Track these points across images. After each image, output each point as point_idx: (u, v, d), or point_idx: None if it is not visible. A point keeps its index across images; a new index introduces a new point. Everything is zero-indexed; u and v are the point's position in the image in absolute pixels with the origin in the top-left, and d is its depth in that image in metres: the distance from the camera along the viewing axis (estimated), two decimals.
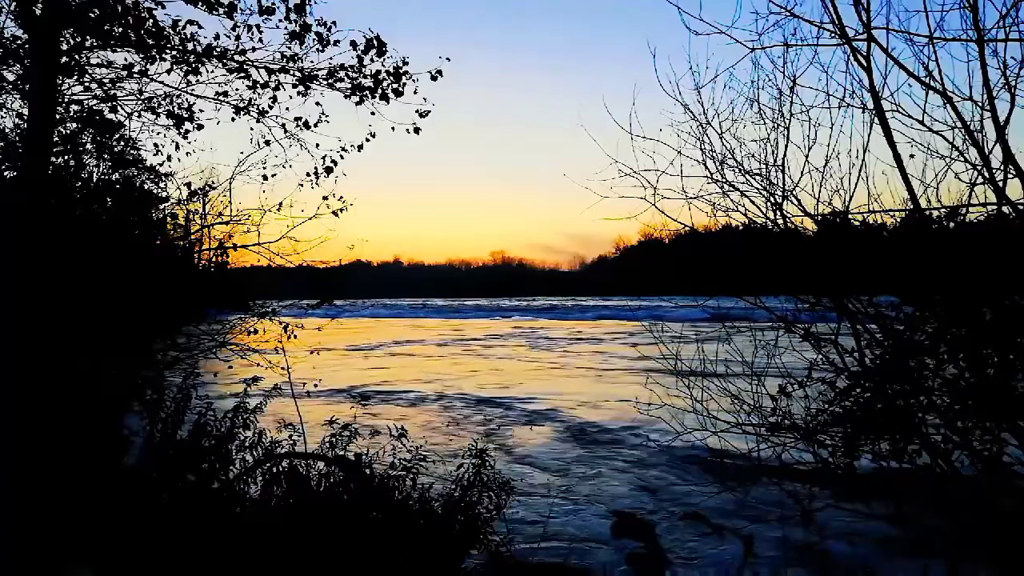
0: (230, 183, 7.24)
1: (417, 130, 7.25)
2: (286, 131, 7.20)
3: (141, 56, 6.57)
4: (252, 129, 7.22)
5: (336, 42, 6.70)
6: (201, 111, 7.20)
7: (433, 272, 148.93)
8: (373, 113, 7.03)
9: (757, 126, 4.99)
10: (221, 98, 6.98)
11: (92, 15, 5.97)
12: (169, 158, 7.60)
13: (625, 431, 10.92)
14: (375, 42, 6.74)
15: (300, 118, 7.18)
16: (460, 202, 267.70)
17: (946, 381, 4.30)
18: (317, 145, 7.31)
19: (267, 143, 7.24)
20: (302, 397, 5.87)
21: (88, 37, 6.15)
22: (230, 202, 7.48)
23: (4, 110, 7.26)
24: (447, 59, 7.05)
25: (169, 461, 5.27)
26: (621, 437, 10.55)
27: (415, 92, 7.05)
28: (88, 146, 7.44)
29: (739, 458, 5.57)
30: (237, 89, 6.95)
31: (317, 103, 7.11)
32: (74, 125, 7.08)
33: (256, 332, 7.08)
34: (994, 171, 4.07)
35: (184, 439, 5.45)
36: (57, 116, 6.34)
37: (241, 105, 7.03)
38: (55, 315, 5.58)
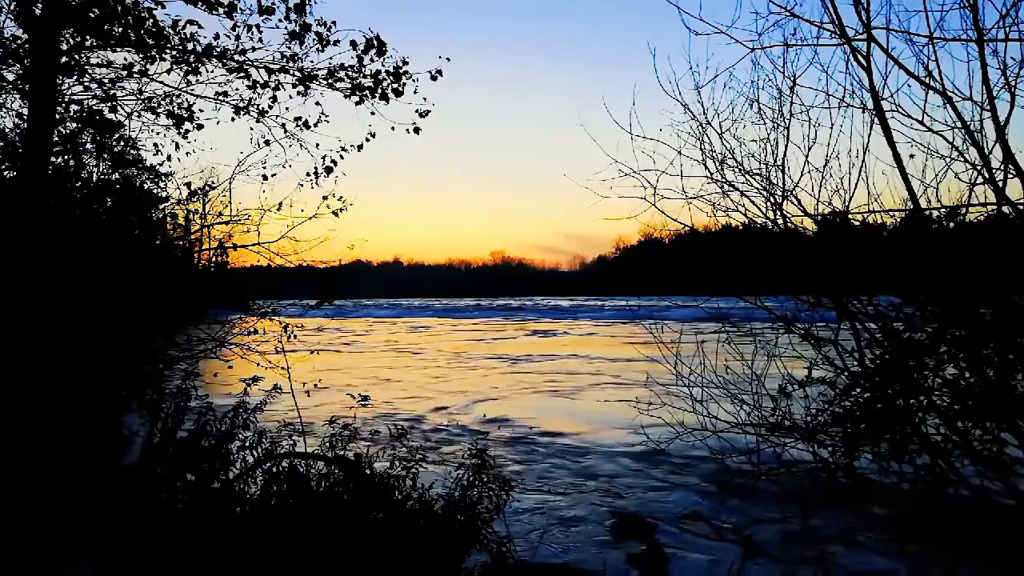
0: (230, 183, 7.25)
1: (417, 130, 7.25)
2: (286, 131, 7.21)
3: (141, 56, 6.58)
4: (252, 129, 7.24)
5: (336, 42, 6.71)
6: (201, 111, 7.22)
7: (433, 272, 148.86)
8: (373, 113, 7.05)
9: (757, 126, 5.01)
10: (221, 98, 6.99)
11: (92, 15, 5.97)
12: (169, 158, 7.61)
13: None
14: (375, 42, 6.75)
15: (300, 118, 7.19)
16: (460, 202, 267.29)
17: (946, 381, 4.31)
18: (317, 145, 7.33)
19: (267, 143, 7.25)
20: (302, 397, 5.87)
21: (88, 37, 6.16)
22: (230, 202, 7.50)
23: (4, 110, 7.27)
24: (447, 59, 7.07)
25: (169, 461, 5.26)
26: None
27: (415, 92, 7.06)
28: (88, 146, 7.45)
29: (739, 458, 5.58)
30: (237, 89, 6.97)
31: (317, 103, 7.13)
32: (74, 125, 7.08)
33: (256, 332, 7.09)
34: (994, 171, 4.07)
35: (184, 439, 5.44)
36: (57, 116, 6.34)
37: (241, 105, 7.04)
38: (55, 315, 5.58)
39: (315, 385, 6.65)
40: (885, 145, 4.37)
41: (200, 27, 6.51)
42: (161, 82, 6.87)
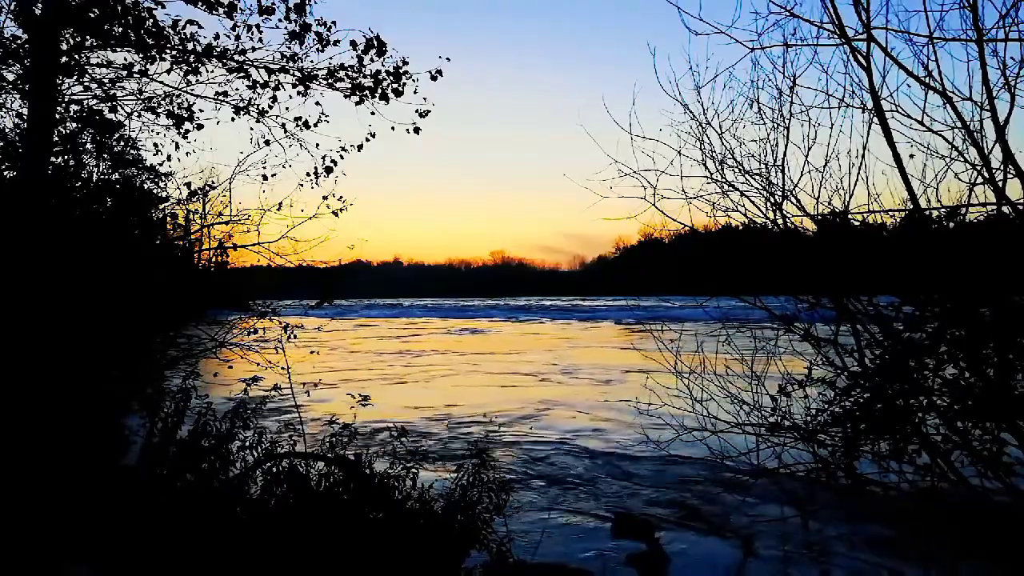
0: (230, 183, 7.23)
1: (417, 130, 7.25)
2: (286, 131, 7.20)
3: (141, 56, 6.57)
4: (252, 129, 7.22)
5: (336, 42, 6.70)
6: (201, 111, 7.20)
7: (433, 272, 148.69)
8: (373, 113, 7.04)
9: (757, 126, 4.99)
10: (221, 98, 6.98)
11: (92, 15, 5.97)
12: (169, 158, 7.59)
13: None
14: (375, 42, 6.75)
15: (300, 118, 7.18)
16: (460, 202, 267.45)
17: (946, 381, 4.30)
18: (317, 145, 7.31)
19: (267, 143, 7.23)
20: (301, 396, 5.87)
21: (88, 37, 6.15)
22: (230, 202, 7.48)
23: (4, 110, 7.27)
24: (447, 59, 7.07)
25: (169, 461, 5.27)
26: None
27: (415, 92, 7.06)
28: (88, 146, 7.44)
29: (739, 458, 5.55)
30: (237, 89, 6.96)
31: (317, 103, 7.12)
32: (74, 125, 7.07)
33: (256, 332, 7.08)
34: (994, 171, 4.07)
35: (184, 439, 5.44)
36: (57, 116, 6.34)
37: (241, 105, 7.03)
38: (55, 315, 5.58)
39: (315, 385, 6.65)
40: (885, 145, 4.36)
41: (200, 27, 6.51)
42: (161, 82, 6.87)
